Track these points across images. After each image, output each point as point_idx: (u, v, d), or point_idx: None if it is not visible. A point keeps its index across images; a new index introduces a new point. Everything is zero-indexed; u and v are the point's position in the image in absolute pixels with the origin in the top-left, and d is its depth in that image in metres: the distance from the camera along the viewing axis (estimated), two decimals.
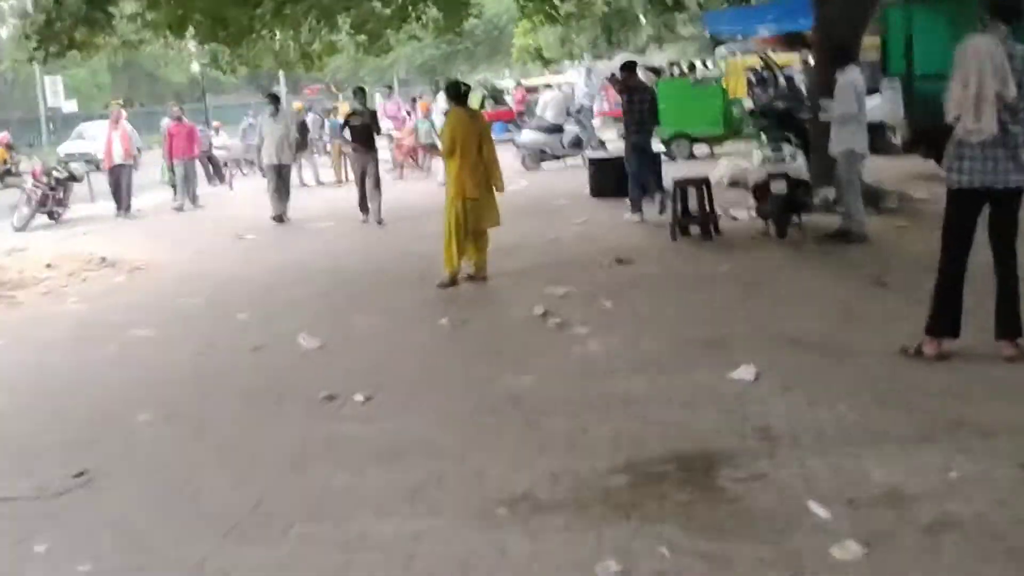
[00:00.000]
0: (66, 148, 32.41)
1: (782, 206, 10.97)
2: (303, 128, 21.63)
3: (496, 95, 31.42)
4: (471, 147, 9.92)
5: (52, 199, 18.02)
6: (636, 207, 13.30)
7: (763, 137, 12.42)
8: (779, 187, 10.89)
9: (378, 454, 5.44)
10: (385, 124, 23.43)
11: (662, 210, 13.10)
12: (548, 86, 26.37)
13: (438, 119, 23.05)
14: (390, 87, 26.08)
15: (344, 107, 26.93)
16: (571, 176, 18.74)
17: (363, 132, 15.08)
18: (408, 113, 23.79)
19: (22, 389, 7.42)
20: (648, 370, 6.71)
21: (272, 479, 5.18)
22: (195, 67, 42.54)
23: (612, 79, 17.46)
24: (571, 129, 21.14)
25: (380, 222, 14.83)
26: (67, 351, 8.59)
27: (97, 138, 32.83)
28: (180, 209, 18.87)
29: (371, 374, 7.10)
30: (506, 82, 39.51)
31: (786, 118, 12.94)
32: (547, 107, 21.30)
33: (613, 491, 4.79)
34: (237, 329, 8.94)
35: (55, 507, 5.02)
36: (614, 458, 5.16)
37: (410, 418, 6.06)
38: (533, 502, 4.72)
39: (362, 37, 16.24)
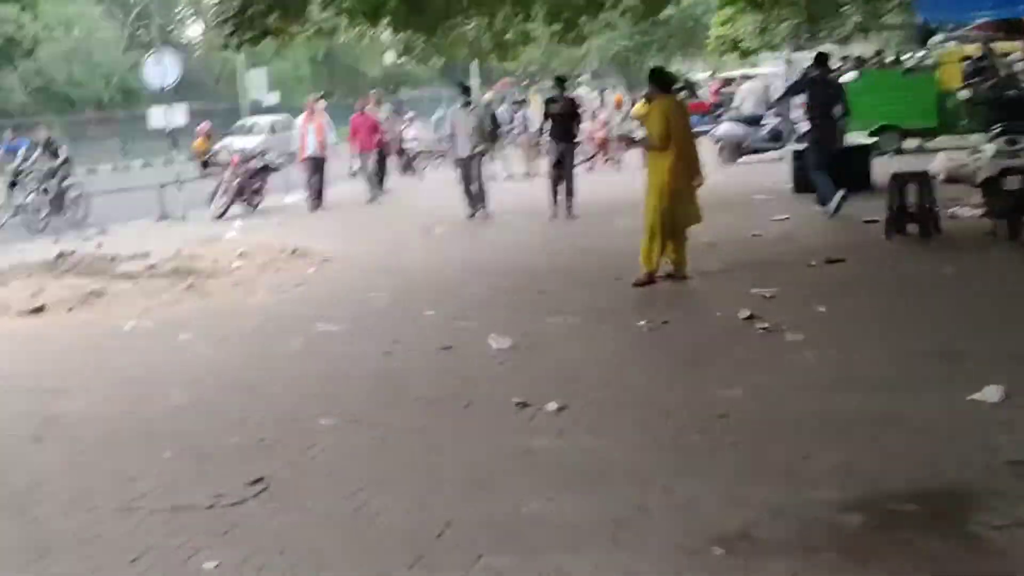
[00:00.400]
0: (225, 143, 31.70)
1: (1016, 204, 9.94)
2: (493, 120, 21.30)
3: (690, 87, 30.53)
4: (680, 138, 9.31)
5: (249, 189, 18.23)
6: (826, 199, 12.70)
7: (991, 129, 11.37)
8: (1013, 183, 9.86)
9: (573, 476, 4.90)
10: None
11: (823, 202, 12.68)
12: (747, 77, 25.27)
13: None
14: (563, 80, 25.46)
15: (535, 100, 26.57)
16: (770, 170, 17.83)
17: (561, 122, 14.58)
18: (601, 104, 23.18)
19: (205, 385, 7.19)
20: (873, 386, 5.98)
21: (458, 500, 4.70)
22: (389, 58, 43.04)
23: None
24: (770, 121, 20.18)
25: (571, 215, 14.32)
26: (252, 345, 8.38)
27: (261, 133, 33.77)
28: (371, 201, 18.81)
29: (564, 380, 6.57)
30: (701, 74, 38.50)
31: (1020, 108, 11.81)
32: (745, 99, 20.38)
33: (846, 533, 4.13)
34: (424, 327, 8.56)
35: (228, 519, 4.66)
36: (843, 492, 4.49)
37: (607, 434, 5.51)
38: (752, 541, 4.10)
39: (557, 26, 15.75)
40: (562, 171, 14.50)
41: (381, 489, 4.91)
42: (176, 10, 68.10)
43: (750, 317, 7.78)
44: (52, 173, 17.60)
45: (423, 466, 5.21)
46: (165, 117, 18.49)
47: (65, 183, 17.93)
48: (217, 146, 21.73)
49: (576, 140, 14.90)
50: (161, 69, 18.09)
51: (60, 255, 13.22)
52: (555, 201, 14.54)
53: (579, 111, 15.66)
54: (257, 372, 7.46)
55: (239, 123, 38.95)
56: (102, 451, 5.89)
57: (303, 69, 58.54)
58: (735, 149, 20.02)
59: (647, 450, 5.21)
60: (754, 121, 20.06)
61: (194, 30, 69.36)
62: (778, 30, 26.90)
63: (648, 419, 5.70)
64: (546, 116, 14.88)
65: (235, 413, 6.39)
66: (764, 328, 7.49)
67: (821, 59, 13.68)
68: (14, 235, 16.44)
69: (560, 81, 15.63)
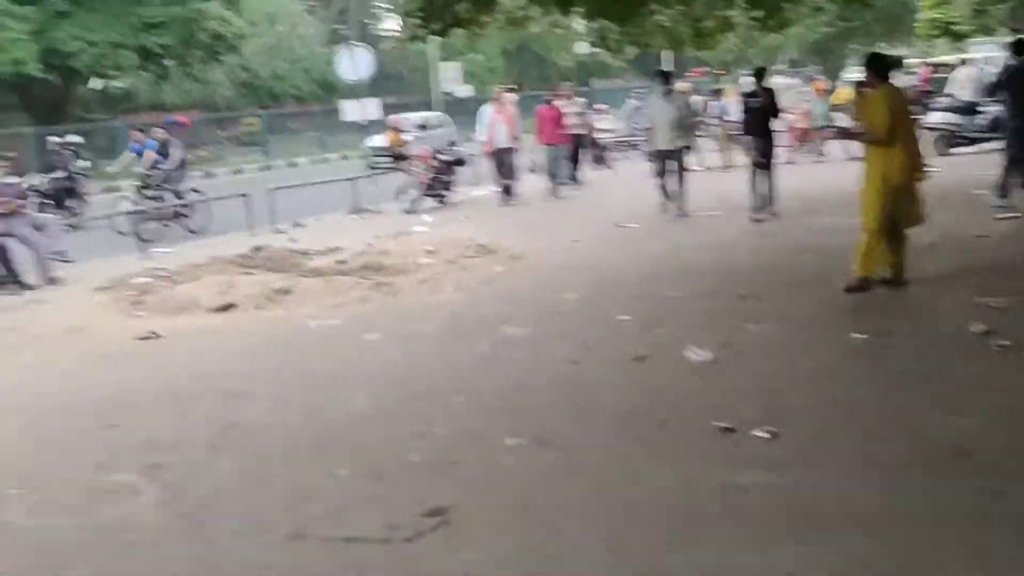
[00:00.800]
0: (372, 143, 28.83)
1: None
2: (693, 111, 20.57)
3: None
4: (903, 130, 8.47)
5: (438, 182, 18.07)
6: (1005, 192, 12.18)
7: None
8: None
9: (790, 520, 4.29)
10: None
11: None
12: (963, 62, 23.65)
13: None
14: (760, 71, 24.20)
15: (730, 90, 25.59)
16: (989, 162, 16.46)
17: (762, 117, 13.72)
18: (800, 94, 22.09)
19: (387, 391, 6.86)
20: None
21: (659, 544, 4.16)
22: (580, 48, 42.51)
23: None
24: (988, 109, 18.71)
25: (772, 214, 13.50)
26: (437, 348, 8.02)
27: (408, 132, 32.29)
28: (553, 196, 18.31)
29: (771, 401, 5.93)
30: (909, 59, 36.57)
31: None
32: (961, 85, 18.97)
33: None
34: (616, 333, 8.03)
35: (404, 555, 4.25)
36: None
37: (825, 468, 4.86)
38: None
39: (758, 12, 14.91)
40: (764, 167, 13.65)
41: (572, 524, 4.41)
42: (374, 4, 69.73)
43: (985, 332, 6.93)
44: (168, 178, 17.34)
45: (618, 498, 4.68)
46: (358, 111, 18.48)
47: (181, 186, 17.70)
48: (408, 137, 21.54)
49: (775, 135, 13.87)
50: (353, 64, 18.11)
51: (255, 249, 13.28)
52: (755, 198, 13.71)
53: (778, 103, 14.68)
54: (441, 378, 7.07)
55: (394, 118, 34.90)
56: (278, 464, 5.60)
57: (495, 61, 58.77)
58: (949, 139, 18.67)
59: (872, 489, 4.54)
60: (970, 109, 18.65)
61: (390, 24, 70.77)
62: (995, 11, 25.16)
63: (872, 451, 5.01)
64: (745, 110, 14.00)
65: (416, 425, 6.01)
66: (1001, 345, 6.65)
67: (1020, 47, 12.47)
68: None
69: (759, 73, 14.68)
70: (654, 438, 5.50)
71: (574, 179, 19.45)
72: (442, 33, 11.06)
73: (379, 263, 11.99)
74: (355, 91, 27.68)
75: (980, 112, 18.72)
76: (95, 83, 43.11)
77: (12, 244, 12.85)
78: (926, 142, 19.01)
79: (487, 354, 7.66)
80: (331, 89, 58.14)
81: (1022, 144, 11.97)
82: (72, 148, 20.04)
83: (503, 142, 17.90)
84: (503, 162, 17.95)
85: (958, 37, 30.25)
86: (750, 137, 13.91)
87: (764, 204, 13.56)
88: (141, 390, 7.48)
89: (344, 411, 6.44)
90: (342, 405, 6.58)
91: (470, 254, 12.13)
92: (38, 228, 13.31)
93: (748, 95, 14.37)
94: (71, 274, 13.20)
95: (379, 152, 28.46)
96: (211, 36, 38.58)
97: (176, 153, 17.73)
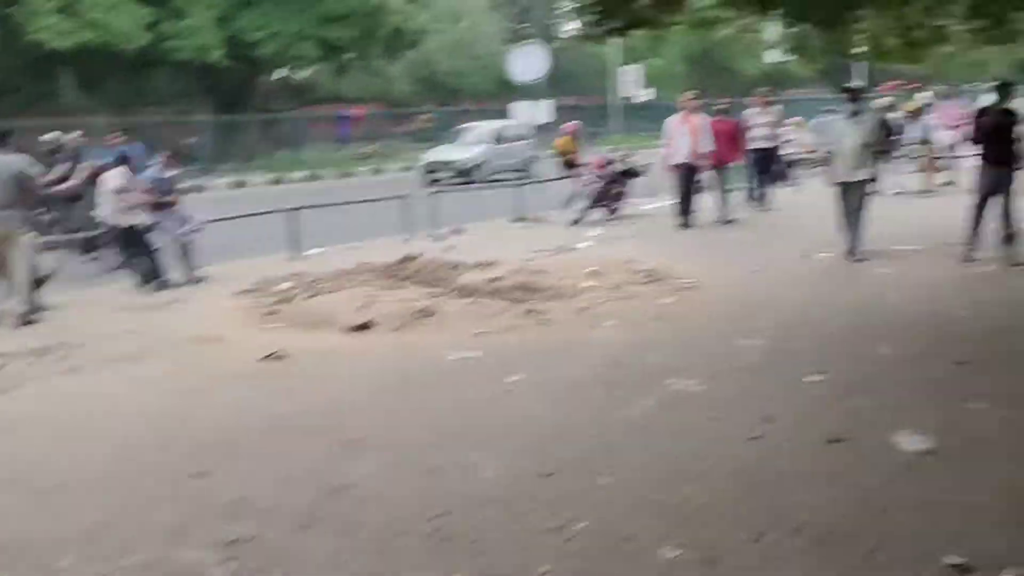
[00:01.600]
0: (434, 155, 28.16)
1: None
2: (886, 128, 18.71)
3: None
4: None
5: (610, 194, 16.83)
6: None
7: None
8: None
9: None
10: (941, 135, 19.81)
11: None
12: None
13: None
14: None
15: (911, 105, 23.47)
16: None
17: (997, 140, 11.52)
18: None
19: (521, 459, 5.65)
20: None
21: None
22: (770, 57, 40.52)
23: None
24: None
25: (1013, 257, 11.39)
26: (588, 401, 6.77)
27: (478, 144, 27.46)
28: (724, 222, 16.12)
29: (1017, 525, 4.48)
30: None
31: None
32: None
33: None
34: (806, 399, 6.63)
35: None
36: None
37: None
38: None
39: (980, 22, 13.12)
40: (998, 200, 11.52)
41: None
42: (556, 3, 68.80)
43: None
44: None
45: None
46: (529, 112, 17.38)
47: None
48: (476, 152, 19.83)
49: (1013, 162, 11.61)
50: (528, 63, 17.00)
51: (405, 258, 12.30)
52: (975, 237, 11.66)
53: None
54: (587, 447, 5.83)
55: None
56: (372, 556, 4.48)
57: (677, 66, 57.08)
58: None
59: None
60: None
61: (573, 24, 69.93)
62: None
63: None
64: (977, 130, 11.94)
65: (550, 517, 4.79)
66: None
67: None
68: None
69: (1004, 88, 12.33)
70: (859, 574, 4.14)
71: (761, 198, 17.74)
72: (621, 32, 9.82)
73: (535, 284, 10.83)
74: (532, 91, 26.61)
75: None
76: (278, 73, 43.46)
77: (160, 240, 12.25)
78: None
79: (646, 417, 6.37)
80: (511, 88, 57.79)
81: None
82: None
83: (684, 156, 15.85)
84: (685, 179, 15.99)
85: None
86: (983, 164, 11.77)
87: (993, 245, 11.65)
88: (247, 426, 6.53)
89: (466, 485, 5.28)
90: (465, 475, 5.42)
91: (637, 280, 10.85)
92: (187, 224, 12.69)
93: (981, 111, 12.41)
94: (217, 273, 12.54)
95: (440, 167, 26.72)
96: (392, 31, 38.34)
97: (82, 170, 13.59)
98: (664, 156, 16.27)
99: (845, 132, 12.51)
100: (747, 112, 17.97)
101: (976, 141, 12.06)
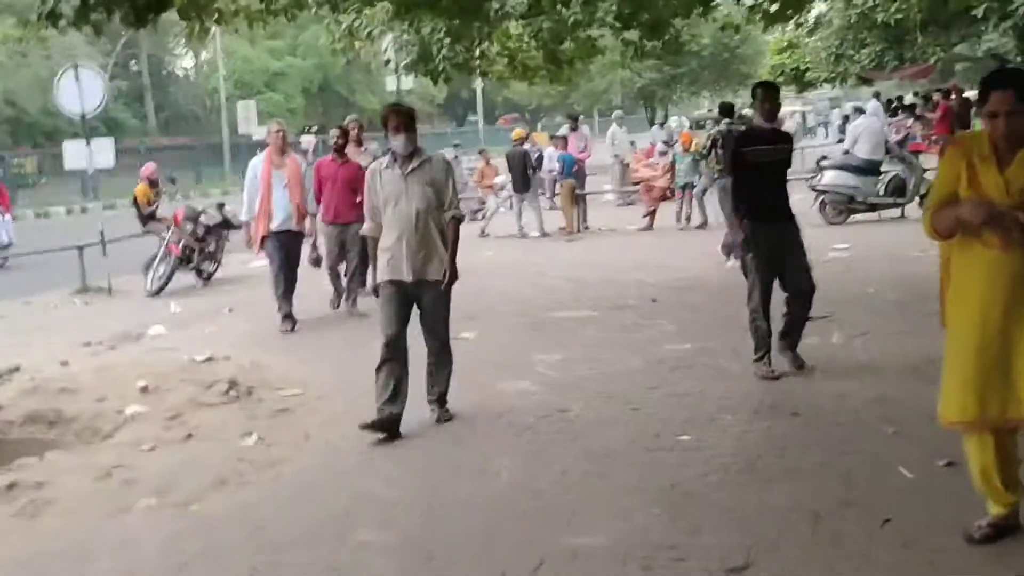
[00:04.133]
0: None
1: None
2: (525, 161, 16.16)
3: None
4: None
5: (199, 252, 13.01)
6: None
7: None
8: None
9: None
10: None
11: None
12: (859, 110, 19.97)
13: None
14: (575, 117, 19.33)
15: (541, 137, 21.51)
16: (898, 233, 12.94)
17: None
18: (667, 144, 17.83)
19: None
20: None
21: None
22: (390, 84, 37.80)
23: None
24: (892, 169, 15.03)
25: None
26: None
27: None
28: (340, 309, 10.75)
29: None
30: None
31: None
32: (858, 138, 15.18)
33: None
34: None
35: None
36: None
37: None
38: None
39: (637, 32, 10.71)
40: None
41: None
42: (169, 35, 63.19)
43: None
44: None
45: None
46: (83, 156, 13.18)
47: None
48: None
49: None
50: (79, 92, 12.85)
51: None
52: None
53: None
54: None
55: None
56: None
57: (295, 101, 53.52)
58: (844, 204, 14.85)
59: None
60: (871, 169, 14.88)
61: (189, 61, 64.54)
62: (857, 56, 21.83)
63: None
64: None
65: None
66: None
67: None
68: None
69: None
70: None
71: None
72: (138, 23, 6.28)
73: (56, 414, 6.99)
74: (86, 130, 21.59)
75: (882, 172, 15.01)
76: None
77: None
78: (813, 207, 15.28)
79: None
80: (115, 127, 51.88)
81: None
82: None
83: (280, 221, 9.69)
84: (283, 251, 9.80)
85: (805, 85, 27.22)
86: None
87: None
88: None
89: None
90: None
91: (211, 397, 7.22)
92: None
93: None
94: None
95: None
96: None
97: None
98: (247, 219, 10.19)
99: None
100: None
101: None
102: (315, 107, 54.99)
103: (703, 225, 15.26)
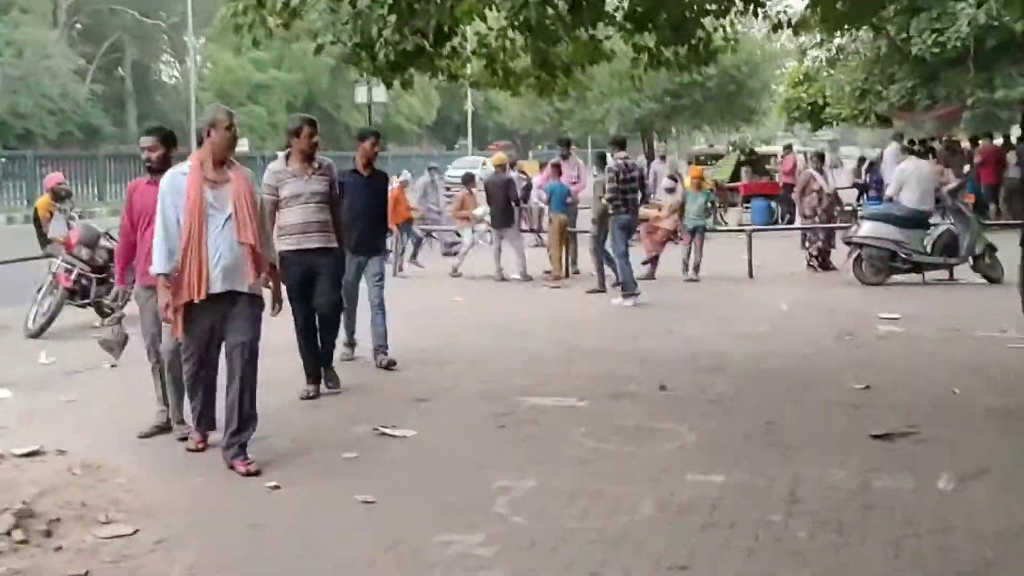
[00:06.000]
0: None
1: None
2: (508, 191, 13.63)
3: (754, 161, 22.84)
4: None
5: (96, 284, 10.35)
6: None
7: None
8: None
9: None
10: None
11: None
12: (789, 149, 16.73)
13: None
14: (567, 143, 16.33)
15: (531, 167, 18.98)
16: (953, 302, 10.48)
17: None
18: (674, 180, 15.14)
19: None
20: None
21: None
22: (360, 96, 35.30)
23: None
24: (942, 223, 12.51)
25: None
26: None
27: None
28: None
29: None
30: (767, 146, 30.94)
31: None
32: (904, 184, 12.55)
33: None
34: None
35: None
36: None
37: None
38: None
39: (655, 36, 8.20)
40: None
41: None
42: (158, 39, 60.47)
43: None
44: None
45: None
46: None
47: None
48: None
49: None
50: None
51: None
52: None
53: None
54: None
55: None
56: None
57: (278, 115, 50.92)
58: (886, 262, 12.31)
59: None
60: (919, 221, 12.36)
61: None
62: (887, 93, 19.30)
63: None
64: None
65: None
66: None
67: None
68: None
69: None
70: None
71: None
72: None
73: None
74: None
75: (932, 226, 12.49)
76: None
77: None
78: (847, 263, 12.80)
79: None
80: (90, 132, 49.19)
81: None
82: None
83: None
84: None
85: (820, 123, 24.80)
86: None
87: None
88: None
89: None
90: None
91: (42, 510, 4.59)
92: None
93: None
94: None
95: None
96: None
97: None
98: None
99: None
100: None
101: None
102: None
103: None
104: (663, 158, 21.93)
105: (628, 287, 11.45)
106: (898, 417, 6.44)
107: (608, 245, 11.81)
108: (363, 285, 8.42)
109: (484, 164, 20.88)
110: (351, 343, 8.67)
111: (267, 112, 50.44)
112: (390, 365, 8.23)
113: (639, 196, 11.84)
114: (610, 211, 11.63)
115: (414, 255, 15.45)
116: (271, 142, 46.82)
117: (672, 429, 6.37)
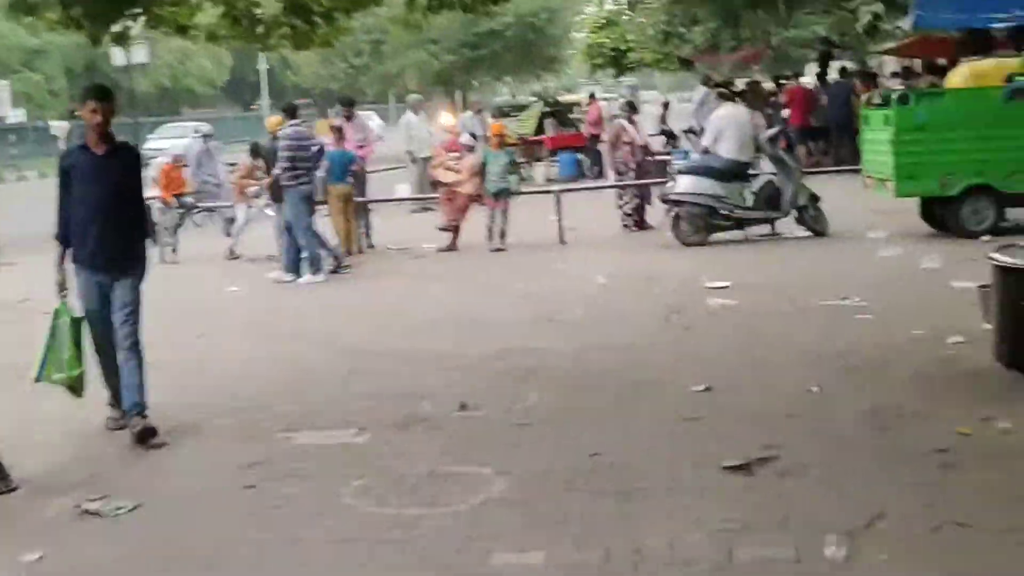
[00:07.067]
0: None
1: None
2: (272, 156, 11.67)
3: (558, 112, 21.44)
4: None
5: None
6: None
7: None
8: None
9: None
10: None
11: None
12: (726, 95, 15.44)
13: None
14: (350, 102, 15.45)
15: (323, 126, 17.20)
16: (784, 262, 9.38)
17: None
18: (473, 137, 13.43)
19: None
20: None
21: None
22: (118, 59, 32.43)
23: None
24: (764, 175, 11.39)
25: None
26: None
27: None
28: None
29: None
30: (570, 94, 29.56)
31: None
32: (720, 134, 11.29)
33: None
34: None
35: None
36: None
37: None
38: None
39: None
40: None
41: None
42: None
43: None
44: None
45: None
46: None
47: None
48: None
49: None
50: None
51: None
52: None
53: None
54: None
55: None
56: None
57: (58, 82, 46.76)
58: (704, 220, 11.11)
59: None
60: (739, 173, 11.20)
61: None
62: (690, 36, 18.22)
63: None
64: None
65: None
66: None
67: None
68: None
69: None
70: None
71: None
72: None
73: None
74: None
75: (751, 177, 11.36)
76: None
77: None
78: (664, 221, 11.61)
79: None
80: None
81: None
82: None
83: None
84: None
85: (624, 69, 23.66)
86: None
87: None
88: None
89: None
90: None
91: None
92: None
93: None
94: None
95: None
96: None
97: None
98: None
99: None
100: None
101: None
102: (79, 89, 48.37)
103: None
104: (479, 111, 20.31)
105: (317, 262, 10.53)
106: (751, 432, 5.09)
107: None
108: None
109: (196, 133, 18.85)
110: (115, 403, 5.83)
111: (45, 79, 46.30)
112: (146, 435, 5.50)
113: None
114: (282, 182, 10.44)
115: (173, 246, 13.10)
116: (50, 110, 43.10)
117: (473, 474, 4.83)
